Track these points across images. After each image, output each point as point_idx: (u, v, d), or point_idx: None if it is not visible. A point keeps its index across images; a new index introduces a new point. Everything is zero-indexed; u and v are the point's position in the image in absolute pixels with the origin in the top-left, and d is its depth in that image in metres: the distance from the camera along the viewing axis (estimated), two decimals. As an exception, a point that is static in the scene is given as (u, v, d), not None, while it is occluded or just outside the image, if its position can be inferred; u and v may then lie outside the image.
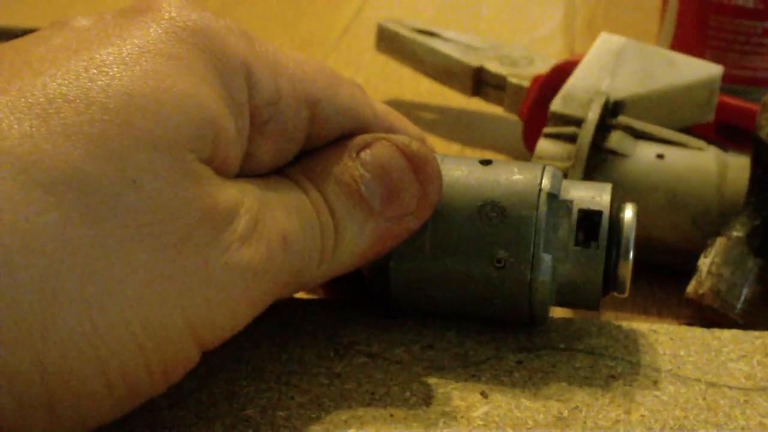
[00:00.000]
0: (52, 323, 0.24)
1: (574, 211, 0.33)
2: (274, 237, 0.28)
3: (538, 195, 0.33)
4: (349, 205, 0.31)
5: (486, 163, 0.34)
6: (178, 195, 0.26)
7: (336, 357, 0.34)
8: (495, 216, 0.33)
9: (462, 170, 0.34)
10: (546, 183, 0.33)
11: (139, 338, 0.25)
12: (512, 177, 0.33)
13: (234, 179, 0.29)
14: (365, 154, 0.32)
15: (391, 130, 0.34)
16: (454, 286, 0.33)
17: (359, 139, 0.32)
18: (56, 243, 0.24)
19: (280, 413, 0.31)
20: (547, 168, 0.34)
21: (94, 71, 0.26)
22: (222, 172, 0.28)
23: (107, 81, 0.26)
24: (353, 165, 0.31)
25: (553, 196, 0.33)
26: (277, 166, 0.32)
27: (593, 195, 0.34)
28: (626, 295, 0.34)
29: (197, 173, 0.27)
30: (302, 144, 0.32)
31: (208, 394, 0.32)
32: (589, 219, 0.33)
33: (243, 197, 0.28)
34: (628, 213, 0.34)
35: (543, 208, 0.33)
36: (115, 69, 0.26)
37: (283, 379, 0.32)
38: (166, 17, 0.28)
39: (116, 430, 0.29)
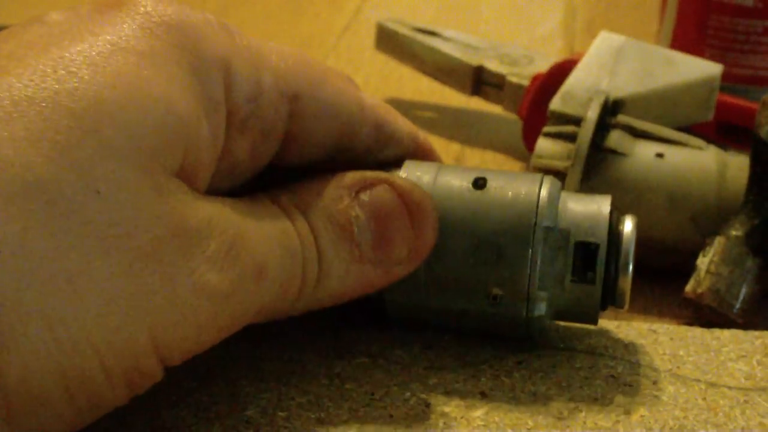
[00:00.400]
0: (12, 336, 0.23)
1: (571, 243, 0.32)
2: (249, 265, 0.27)
3: (533, 230, 0.32)
4: (339, 245, 0.30)
5: (480, 186, 0.33)
6: (143, 208, 0.25)
7: (336, 357, 0.34)
8: (490, 255, 0.32)
9: (454, 200, 0.32)
10: (543, 209, 0.32)
11: (101, 353, 0.24)
12: (506, 211, 0.32)
13: (213, 198, 0.28)
14: (365, 195, 0.31)
15: (379, 126, 0.33)
16: (451, 318, 0.33)
17: (359, 177, 0.31)
18: (17, 255, 0.23)
19: (280, 413, 0.31)
20: (545, 184, 0.32)
21: (63, 72, 0.25)
22: (195, 177, 0.27)
23: (75, 84, 0.25)
24: (350, 204, 0.30)
25: (549, 230, 0.32)
26: (255, 164, 0.31)
27: (591, 221, 0.32)
28: (625, 308, 0.33)
29: (165, 187, 0.26)
30: (281, 141, 0.31)
31: (208, 394, 0.32)
32: (586, 248, 0.32)
33: (218, 218, 0.27)
34: (628, 225, 0.33)
35: (538, 246, 0.32)
36: (85, 71, 0.25)
37: (283, 379, 0.32)
38: (141, 12, 0.27)
39: (116, 430, 0.29)
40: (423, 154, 0.35)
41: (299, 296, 0.29)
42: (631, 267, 0.32)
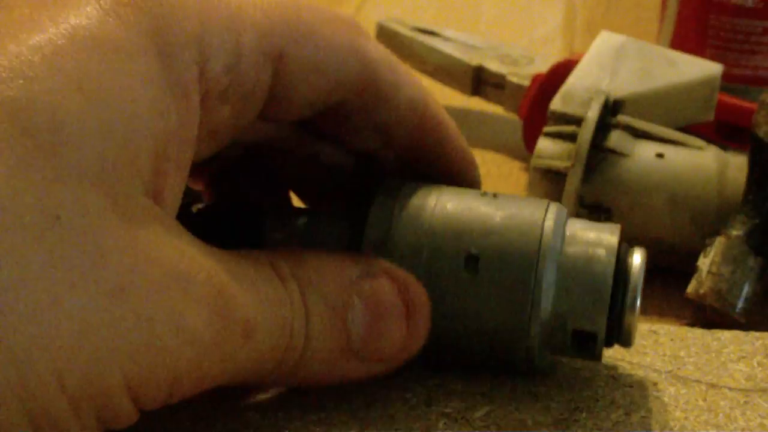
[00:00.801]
0: None
1: (569, 329, 0.31)
2: (238, 320, 0.26)
3: (529, 325, 0.30)
4: (328, 329, 0.28)
5: (472, 267, 0.30)
6: (109, 237, 0.23)
7: (336, 357, 0.34)
8: (485, 341, 0.31)
9: (444, 287, 0.30)
10: (538, 296, 0.30)
11: (69, 393, 0.23)
12: (501, 303, 0.30)
13: (202, 244, 0.26)
14: (365, 284, 0.29)
15: (375, 85, 0.30)
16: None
17: (363, 266, 0.30)
18: None
19: (280, 414, 0.31)
20: (541, 262, 0.30)
21: (20, 80, 0.23)
22: (169, 174, 0.26)
23: (32, 92, 0.23)
24: (349, 289, 0.29)
25: (545, 323, 0.30)
26: (238, 126, 0.29)
27: (590, 300, 0.30)
28: (631, 346, 0.31)
29: (135, 214, 0.24)
30: (264, 100, 0.29)
31: (209, 395, 0.31)
32: (584, 334, 0.31)
33: (205, 261, 0.25)
34: (637, 259, 0.31)
35: (534, 341, 0.30)
36: (43, 74, 0.23)
37: (283, 380, 0.32)
38: None
39: (116, 429, 0.29)
40: (429, 126, 0.32)
41: (279, 370, 0.28)
42: (638, 303, 0.31)
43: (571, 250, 0.31)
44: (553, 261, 0.30)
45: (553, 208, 0.31)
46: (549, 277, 0.30)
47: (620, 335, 0.31)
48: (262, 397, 0.32)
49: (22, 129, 0.23)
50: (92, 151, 0.23)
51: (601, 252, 0.31)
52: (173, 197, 0.26)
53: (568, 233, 0.31)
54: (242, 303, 0.26)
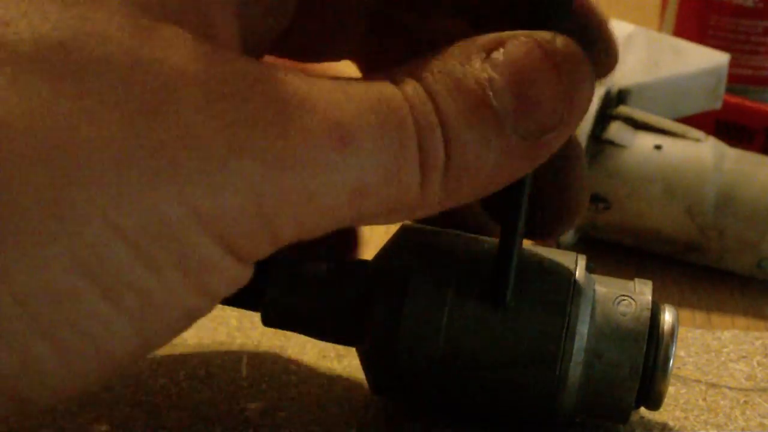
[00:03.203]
0: (11, 236, 0.19)
1: (598, 399, 0.29)
2: (322, 128, 0.22)
3: (557, 397, 0.28)
4: (469, 113, 0.23)
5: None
6: (128, 51, 0.20)
7: (336, 357, 0.34)
8: (510, 414, 0.29)
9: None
10: (566, 368, 0.28)
11: (128, 235, 0.20)
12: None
13: (256, 60, 0.22)
14: (497, 54, 0.24)
15: None
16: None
17: (490, 37, 0.25)
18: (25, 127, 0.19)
19: (280, 413, 0.31)
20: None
21: None
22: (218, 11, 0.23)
23: None
24: (480, 67, 0.24)
25: (574, 394, 0.29)
26: (282, 22, 0.25)
27: (619, 376, 0.28)
28: (659, 409, 0.30)
29: (167, 35, 0.21)
30: None
31: (209, 394, 0.31)
32: None
33: (259, 71, 0.22)
34: (668, 317, 0.29)
35: (563, 410, 0.29)
36: None
37: (283, 379, 0.32)
38: None
39: (116, 429, 0.29)
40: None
41: (424, 184, 0.23)
42: (671, 365, 0.29)
43: (600, 318, 0.29)
44: (581, 348, 0.28)
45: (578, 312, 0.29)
46: (580, 342, 0.28)
47: (649, 398, 0.29)
48: (262, 397, 0.32)
49: None
50: None
51: (635, 308, 0.29)
52: (226, 38, 0.23)
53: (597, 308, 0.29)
54: (323, 107, 0.22)
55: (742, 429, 0.31)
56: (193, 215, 0.20)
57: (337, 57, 0.29)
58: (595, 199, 0.41)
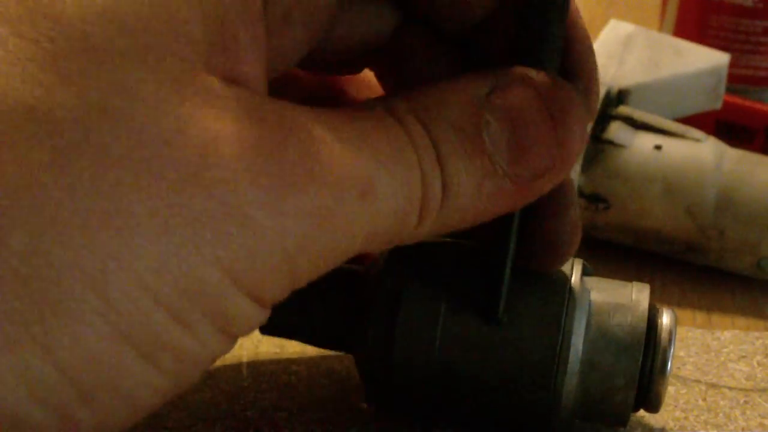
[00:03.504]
0: (49, 309, 0.19)
1: (597, 403, 0.29)
2: (348, 181, 0.22)
3: (555, 401, 0.28)
4: (466, 158, 0.24)
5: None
6: (170, 116, 0.20)
7: (336, 357, 0.34)
8: (507, 417, 0.29)
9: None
10: (563, 374, 0.28)
11: (165, 301, 0.20)
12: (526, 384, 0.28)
13: (283, 101, 0.23)
14: (496, 98, 0.25)
15: None
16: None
17: (491, 80, 0.25)
18: (31, 199, 0.19)
19: (280, 413, 0.31)
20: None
21: None
22: (243, 51, 0.23)
23: None
24: (479, 110, 0.25)
25: (572, 396, 0.29)
26: (303, 50, 0.25)
27: (617, 380, 0.29)
28: (658, 412, 0.30)
29: (196, 90, 0.21)
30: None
31: (209, 394, 0.31)
32: None
33: (296, 118, 0.22)
34: (666, 320, 0.29)
35: (561, 414, 0.28)
36: None
37: (283, 379, 0.32)
38: None
39: (116, 430, 0.29)
40: None
41: (421, 221, 0.24)
42: (669, 367, 0.29)
43: (595, 331, 0.29)
44: (576, 360, 0.28)
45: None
46: (575, 355, 0.28)
47: (648, 401, 0.29)
48: (262, 397, 0.32)
49: (32, 21, 0.20)
50: (130, 27, 0.21)
51: (631, 319, 0.29)
52: (255, 76, 0.23)
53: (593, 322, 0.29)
54: (352, 159, 0.23)
55: (742, 429, 0.31)
56: (229, 276, 0.21)
57: (358, 70, 0.30)
58: (595, 199, 0.41)
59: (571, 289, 0.29)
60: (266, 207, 0.21)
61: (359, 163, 0.23)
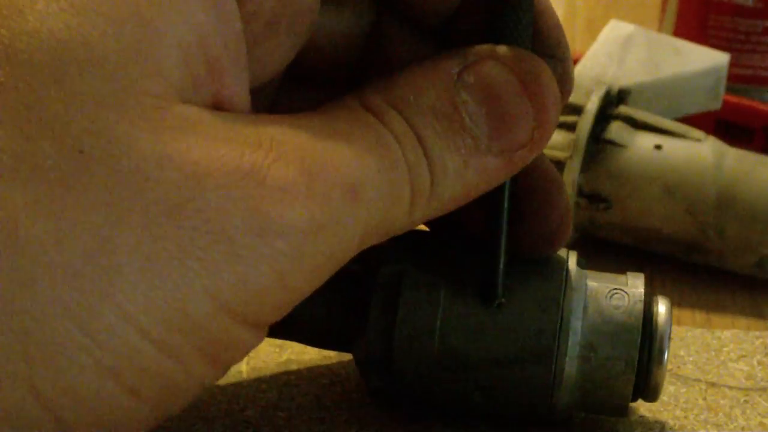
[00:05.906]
0: (33, 345, 0.19)
1: (595, 392, 0.29)
2: (335, 189, 0.22)
3: (552, 390, 0.28)
4: (449, 139, 0.25)
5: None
6: (148, 153, 0.20)
7: (336, 357, 0.34)
8: (506, 408, 0.29)
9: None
10: (561, 365, 0.28)
11: (153, 335, 0.20)
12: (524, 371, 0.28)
13: (270, 117, 0.23)
14: (468, 76, 0.25)
15: None
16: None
17: (460, 58, 0.26)
18: (13, 246, 0.19)
19: (280, 413, 0.31)
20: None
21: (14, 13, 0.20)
22: (226, 76, 0.23)
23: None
24: (453, 90, 0.25)
25: (569, 387, 0.29)
26: (290, 56, 0.26)
27: (615, 368, 0.29)
28: (656, 401, 0.30)
29: (172, 122, 0.21)
30: (316, 13, 0.26)
31: (209, 394, 0.31)
32: None
33: (282, 137, 0.22)
34: (661, 308, 0.29)
35: (559, 402, 0.29)
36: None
37: (283, 379, 0.32)
38: None
39: (116, 430, 0.29)
40: None
41: (412, 209, 0.25)
42: (666, 356, 0.29)
43: (593, 313, 0.29)
44: (576, 342, 0.29)
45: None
46: (574, 337, 0.28)
47: (646, 390, 0.29)
48: (262, 397, 0.32)
49: (7, 57, 0.20)
50: (102, 69, 0.21)
51: (628, 301, 0.29)
52: (238, 95, 0.23)
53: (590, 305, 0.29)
54: (337, 165, 0.23)
55: (742, 428, 0.31)
56: (219, 305, 0.21)
57: (342, 74, 0.30)
58: (596, 198, 0.41)
59: (567, 271, 0.29)
60: (252, 230, 0.21)
61: (344, 168, 0.23)
